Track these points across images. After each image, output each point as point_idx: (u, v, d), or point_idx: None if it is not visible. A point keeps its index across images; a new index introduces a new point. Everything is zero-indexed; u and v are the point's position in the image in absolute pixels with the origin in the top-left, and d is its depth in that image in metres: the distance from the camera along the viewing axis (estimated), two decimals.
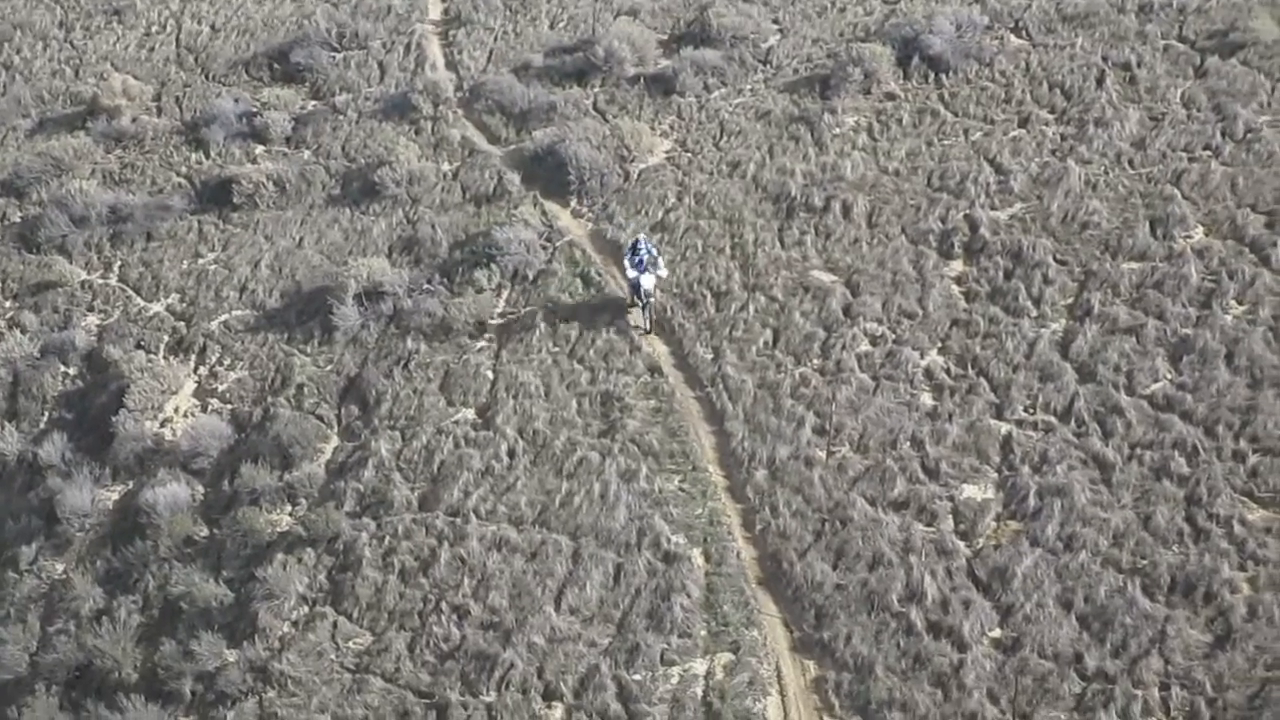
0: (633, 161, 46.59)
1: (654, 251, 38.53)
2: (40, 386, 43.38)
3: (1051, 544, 29.94)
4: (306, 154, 51.83)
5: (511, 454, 35.64)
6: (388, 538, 34.07)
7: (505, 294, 41.71)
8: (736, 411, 35.44)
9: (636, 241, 38.51)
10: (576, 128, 48.36)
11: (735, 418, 35.26)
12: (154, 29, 63.24)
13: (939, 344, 36.35)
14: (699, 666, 29.20)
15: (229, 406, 40.83)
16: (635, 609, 30.58)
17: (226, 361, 42.51)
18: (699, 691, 28.56)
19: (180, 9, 64.01)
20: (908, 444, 33.42)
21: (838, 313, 37.92)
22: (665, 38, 53.99)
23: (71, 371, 43.84)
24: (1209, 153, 40.77)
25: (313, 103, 55.31)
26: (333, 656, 31.62)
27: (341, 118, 53.22)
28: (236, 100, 55.50)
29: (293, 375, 40.83)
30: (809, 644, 29.32)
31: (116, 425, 40.43)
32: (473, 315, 40.67)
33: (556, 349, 38.90)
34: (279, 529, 35.75)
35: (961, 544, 30.61)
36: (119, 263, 48.26)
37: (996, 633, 28.52)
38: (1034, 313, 36.46)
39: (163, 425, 40.72)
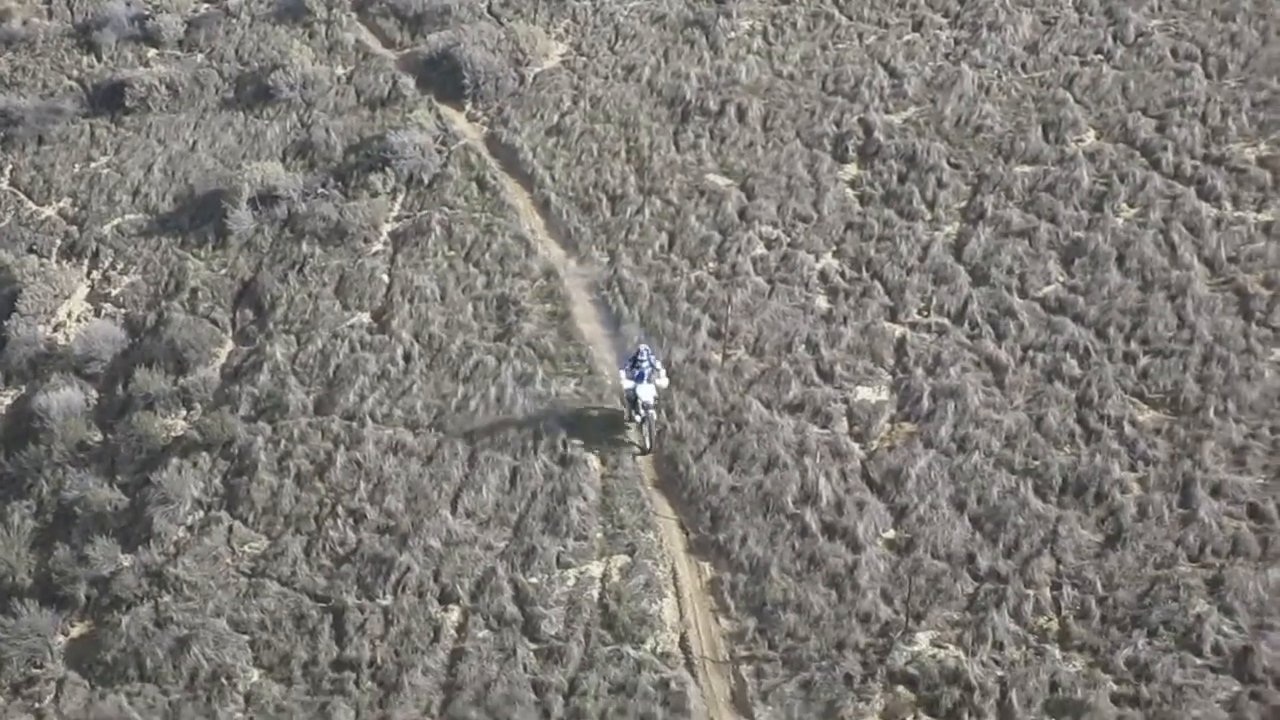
0: (528, 65, 46.38)
1: (656, 363, 32.13)
2: None
3: (945, 445, 30.24)
4: (199, 57, 51.23)
5: (407, 358, 35.58)
6: (283, 442, 33.91)
7: (400, 198, 41.52)
8: (632, 315, 35.55)
9: (638, 351, 32.18)
10: (471, 31, 48.04)
11: (631, 321, 35.38)
12: None
13: (834, 247, 36.52)
14: (595, 569, 29.31)
15: (122, 311, 40.52)
16: (531, 512, 30.62)
17: (120, 266, 42.07)
18: (595, 594, 28.68)
19: None
20: (803, 347, 33.62)
21: (733, 216, 38.02)
22: None
23: None
24: (1100, 56, 41.11)
25: (205, 5, 54.67)
26: (228, 561, 31.50)
27: (235, 21, 52.55)
28: (128, 3, 54.82)
29: (186, 279, 40.48)
30: (705, 546, 29.47)
31: (9, 330, 40.18)
32: (368, 219, 40.43)
33: (452, 253, 38.79)
34: (173, 434, 35.57)
35: (856, 446, 30.85)
36: (10, 167, 47.71)
37: (890, 534, 28.77)
38: (928, 216, 36.71)
39: (55, 330, 40.37)
